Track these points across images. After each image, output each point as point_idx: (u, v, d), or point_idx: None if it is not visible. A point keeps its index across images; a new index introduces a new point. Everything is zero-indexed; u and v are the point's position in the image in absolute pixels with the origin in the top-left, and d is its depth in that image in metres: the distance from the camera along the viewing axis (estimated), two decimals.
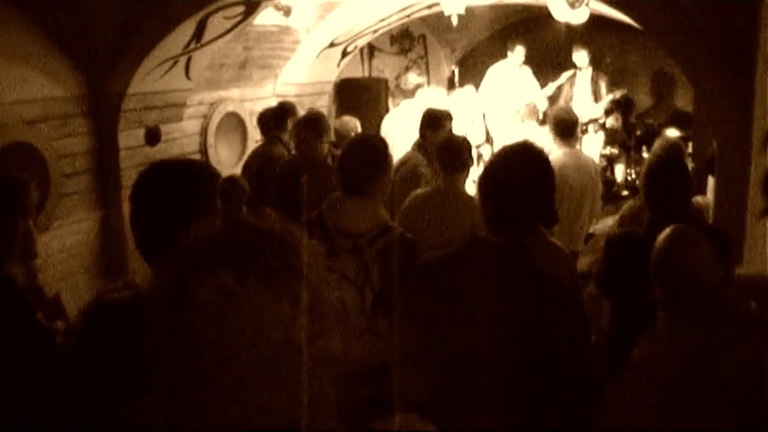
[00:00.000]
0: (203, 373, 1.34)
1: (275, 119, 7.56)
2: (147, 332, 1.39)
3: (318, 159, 6.48)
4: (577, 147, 7.34)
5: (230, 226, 1.46)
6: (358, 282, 3.98)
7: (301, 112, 7.73)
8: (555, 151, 6.88)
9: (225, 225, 1.47)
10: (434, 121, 6.99)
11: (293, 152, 7.28)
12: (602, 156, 11.51)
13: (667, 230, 3.25)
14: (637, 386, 2.95)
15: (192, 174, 2.62)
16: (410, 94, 9.80)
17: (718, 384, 2.79)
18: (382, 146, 4.37)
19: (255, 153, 7.75)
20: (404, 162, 6.66)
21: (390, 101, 11.55)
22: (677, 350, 2.93)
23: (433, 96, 9.77)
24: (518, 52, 11.60)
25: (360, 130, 8.32)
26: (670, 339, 3.02)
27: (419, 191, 5.83)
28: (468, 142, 6.00)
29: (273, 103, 9.69)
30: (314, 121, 6.66)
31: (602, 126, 11.61)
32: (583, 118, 11.00)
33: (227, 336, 1.33)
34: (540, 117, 11.09)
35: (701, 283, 3.08)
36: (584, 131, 11.02)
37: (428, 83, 12.52)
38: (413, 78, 10.05)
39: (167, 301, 1.39)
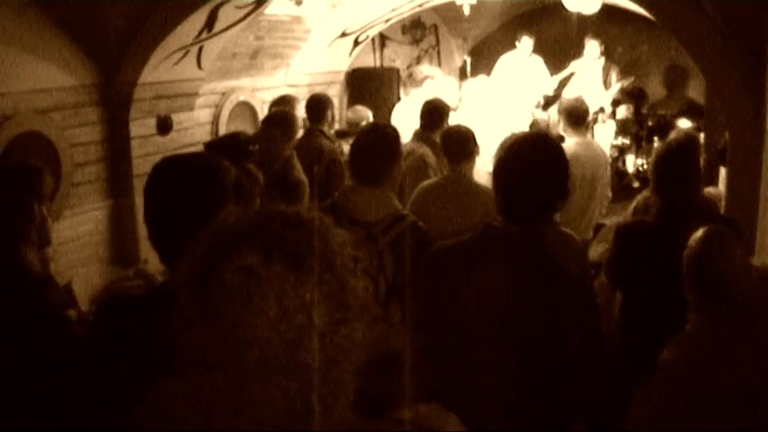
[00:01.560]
0: (226, 354, 1.36)
1: (312, 111, 7.29)
2: (174, 314, 1.41)
3: (278, 161, 6.13)
4: (589, 136, 7.32)
5: (258, 211, 1.48)
6: (372, 271, 3.99)
7: None
8: (567, 140, 6.87)
9: (253, 211, 1.48)
10: (436, 113, 6.99)
11: (336, 144, 7.18)
12: (614, 146, 11.47)
13: (701, 231, 3.23)
14: (666, 389, 2.94)
15: (206, 166, 2.62)
16: (421, 84, 9.80)
17: (748, 389, 2.78)
18: (394, 135, 4.38)
19: (298, 147, 6.93)
20: (409, 153, 6.64)
21: (402, 90, 11.54)
22: (708, 354, 2.92)
23: (444, 86, 9.76)
24: (525, 43, 11.57)
25: (371, 119, 8.30)
26: (701, 343, 3.00)
27: (427, 182, 5.83)
28: (472, 131, 5.98)
29: (285, 92, 9.70)
30: (286, 120, 6.41)
31: (613, 116, 11.58)
32: (593, 107, 10.98)
33: (251, 316, 1.35)
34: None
35: (734, 287, 3.06)
36: (595, 121, 10.99)
37: (440, 73, 12.50)
38: (425, 69, 10.05)
39: (194, 281, 1.41)
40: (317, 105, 7.27)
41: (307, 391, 1.38)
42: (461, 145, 5.71)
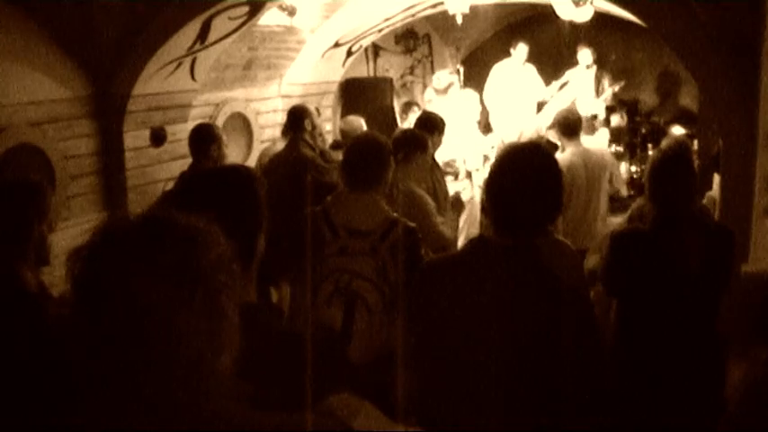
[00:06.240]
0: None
1: (292, 121, 7.35)
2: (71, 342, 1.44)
3: None
4: (584, 145, 7.32)
5: (145, 222, 1.52)
6: (379, 282, 4.05)
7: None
8: (562, 151, 6.89)
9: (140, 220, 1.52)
10: (433, 125, 6.98)
11: (317, 151, 7.23)
12: None
13: None
14: None
15: (241, 177, 2.63)
16: (446, 91, 9.74)
17: None
18: (386, 143, 4.48)
19: (280, 157, 7.30)
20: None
21: (395, 100, 11.54)
22: None
23: (467, 93, 9.80)
24: (520, 50, 11.59)
25: (365, 129, 8.31)
26: None
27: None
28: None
29: (279, 103, 9.70)
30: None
31: (607, 124, 11.60)
32: (586, 114, 11.00)
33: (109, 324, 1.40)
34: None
35: None
36: (593, 128, 11.01)
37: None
38: (444, 76, 9.97)
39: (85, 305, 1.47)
40: (295, 115, 7.36)
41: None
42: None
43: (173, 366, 1.41)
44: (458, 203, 6.42)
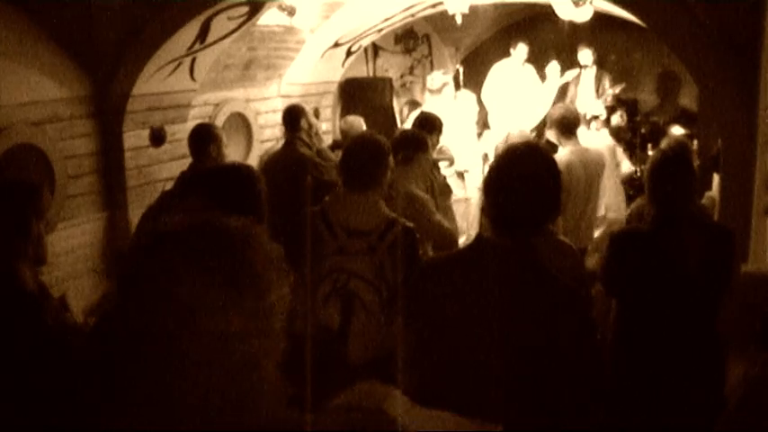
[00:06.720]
0: (148, 361, 1.42)
1: (288, 121, 7.45)
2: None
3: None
4: (582, 143, 7.32)
5: (190, 226, 1.53)
6: (376, 282, 4.04)
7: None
8: (560, 149, 6.88)
9: (185, 222, 1.54)
10: (431, 125, 6.99)
11: (313, 150, 7.27)
12: None
13: None
14: None
15: (241, 175, 2.62)
16: (440, 91, 9.76)
17: None
18: (384, 143, 4.47)
19: (278, 156, 7.47)
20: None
21: (395, 100, 11.53)
22: None
23: (463, 92, 9.81)
24: (520, 50, 11.58)
25: (364, 128, 8.31)
26: None
27: None
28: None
29: (278, 103, 9.69)
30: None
31: (607, 124, 11.58)
32: (586, 115, 11.00)
33: (161, 323, 1.40)
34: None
35: None
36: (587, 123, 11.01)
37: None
38: (438, 76, 9.97)
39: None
40: (290, 115, 7.46)
41: (222, 393, 1.43)
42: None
43: (225, 366, 1.41)
44: (445, 189, 6.46)
